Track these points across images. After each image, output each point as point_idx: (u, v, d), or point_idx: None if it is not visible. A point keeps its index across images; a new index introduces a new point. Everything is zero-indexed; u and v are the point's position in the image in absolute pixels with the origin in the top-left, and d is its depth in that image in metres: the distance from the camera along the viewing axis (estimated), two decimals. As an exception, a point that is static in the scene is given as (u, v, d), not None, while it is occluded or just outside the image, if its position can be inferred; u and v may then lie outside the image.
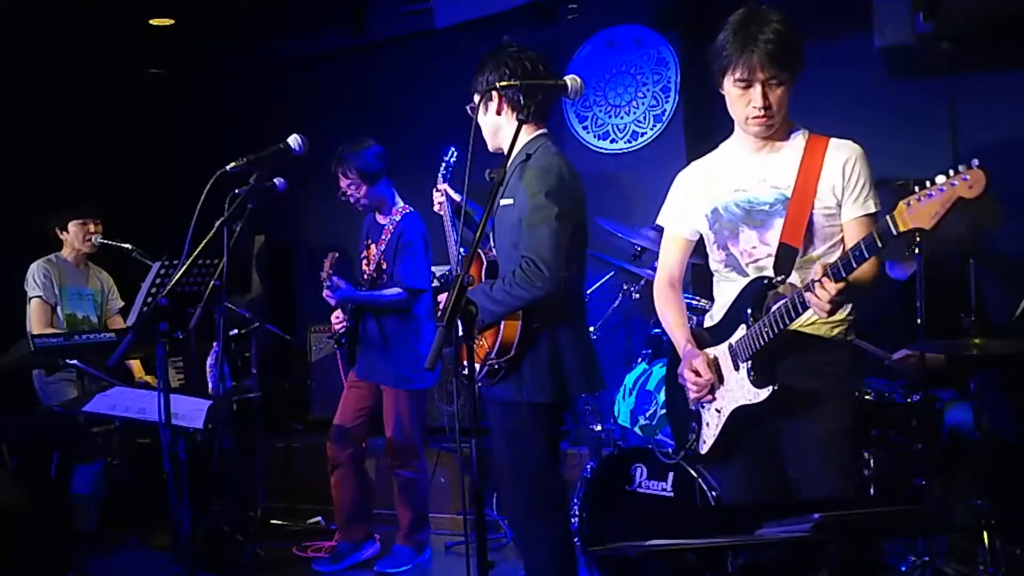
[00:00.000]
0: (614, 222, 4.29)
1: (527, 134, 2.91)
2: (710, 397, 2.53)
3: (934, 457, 3.36)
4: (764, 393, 2.38)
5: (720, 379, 2.52)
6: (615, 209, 4.85)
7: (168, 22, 5.93)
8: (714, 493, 3.27)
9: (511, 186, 2.86)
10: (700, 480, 3.32)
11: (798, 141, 2.48)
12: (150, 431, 4.32)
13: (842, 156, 2.42)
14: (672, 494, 3.38)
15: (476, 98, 2.92)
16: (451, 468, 4.89)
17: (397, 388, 4.23)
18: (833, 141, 2.45)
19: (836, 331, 2.48)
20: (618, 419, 3.79)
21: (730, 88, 2.41)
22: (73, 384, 4.58)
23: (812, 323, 2.44)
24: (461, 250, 3.38)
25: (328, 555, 4.40)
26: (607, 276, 4.30)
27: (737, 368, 2.47)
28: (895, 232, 2.07)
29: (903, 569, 3.32)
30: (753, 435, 2.51)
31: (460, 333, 2.16)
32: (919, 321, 3.16)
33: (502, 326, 2.85)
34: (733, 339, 2.48)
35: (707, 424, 2.57)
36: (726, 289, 2.60)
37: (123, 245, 4.76)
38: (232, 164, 2.97)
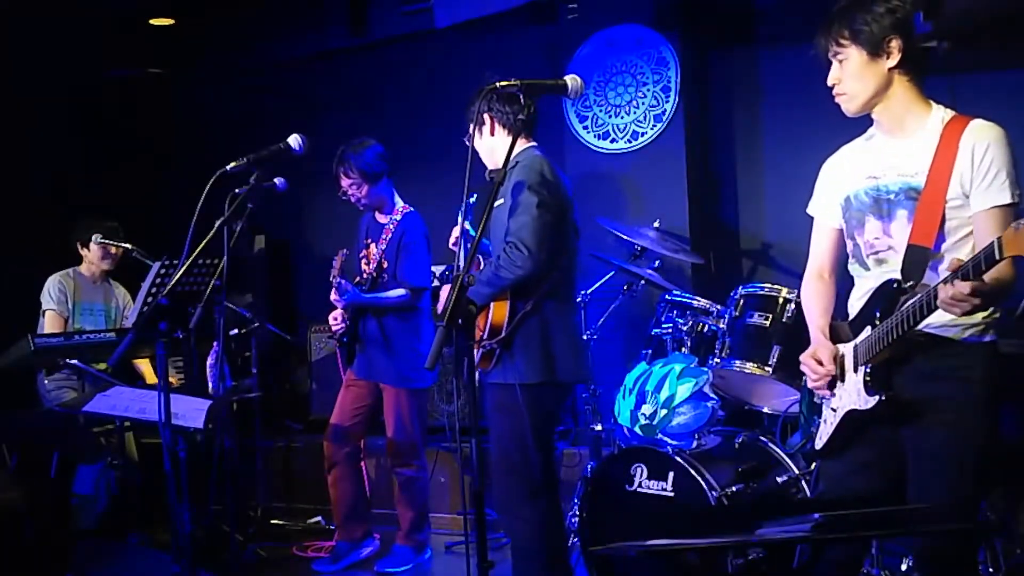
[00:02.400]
0: (614, 222, 4.29)
1: (519, 146, 3.10)
2: (827, 392, 2.45)
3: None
4: (872, 401, 2.27)
5: (842, 377, 2.41)
6: (615, 209, 4.86)
7: (168, 22, 5.94)
8: (715, 493, 3.27)
9: (502, 190, 3.03)
10: (701, 480, 3.31)
11: (935, 124, 2.31)
12: (152, 431, 4.32)
13: (974, 139, 2.23)
14: (672, 494, 3.37)
15: (471, 127, 3.08)
16: (451, 468, 4.89)
17: (398, 387, 4.23)
18: (972, 123, 2.27)
19: (969, 332, 2.28)
20: (618, 419, 3.79)
21: None
22: (72, 390, 4.59)
23: (943, 324, 2.25)
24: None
25: (328, 555, 4.40)
26: (607, 276, 4.29)
27: (856, 370, 2.36)
28: (998, 256, 1.89)
29: (903, 569, 3.32)
30: (868, 440, 2.39)
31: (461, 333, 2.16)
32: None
33: (491, 308, 3.01)
34: (859, 339, 2.37)
35: (825, 421, 2.49)
36: (858, 284, 2.49)
37: (123, 245, 4.77)
38: (232, 164, 2.97)
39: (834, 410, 2.45)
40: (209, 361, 4.79)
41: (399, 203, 4.32)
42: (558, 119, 5.17)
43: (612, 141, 5.07)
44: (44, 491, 4.24)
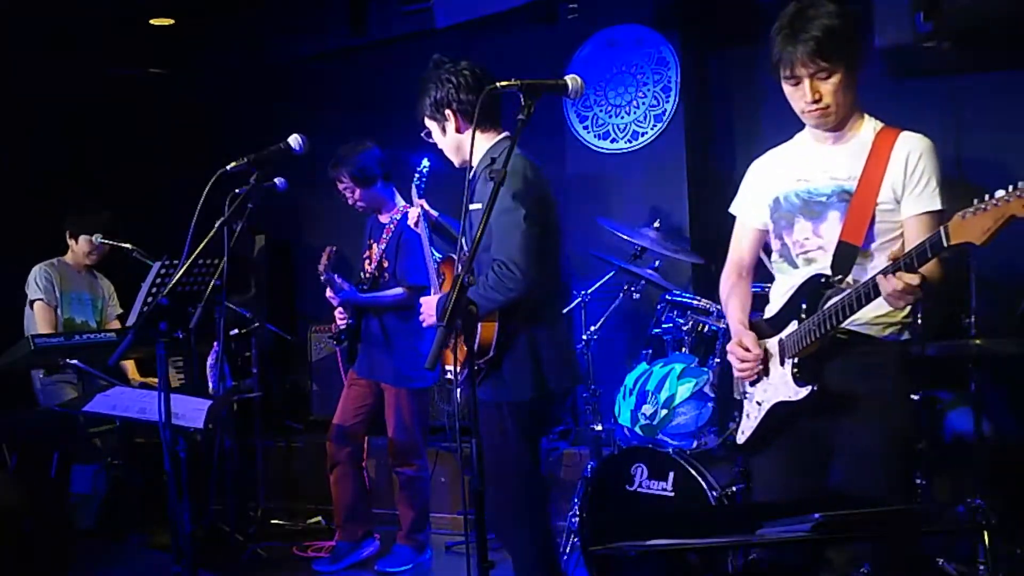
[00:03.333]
0: (614, 222, 4.30)
1: (487, 141, 2.96)
2: (756, 380, 2.49)
3: (935, 457, 3.35)
4: (803, 392, 2.35)
5: (766, 372, 2.48)
6: (615, 209, 4.86)
7: (168, 22, 5.94)
8: (715, 493, 3.27)
9: (479, 191, 2.88)
10: (702, 480, 3.31)
11: (868, 134, 2.43)
12: (150, 431, 4.31)
13: (906, 149, 2.35)
14: (672, 494, 3.37)
15: (428, 122, 2.99)
16: (451, 468, 4.88)
17: (398, 387, 4.23)
18: (903, 134, 2.39)
19: (889, 331, 2.41)
20: (618, 419, 3.79)
21: (783, 84, 2.39)
22: (71, 387, 4.58)
23: (865, 322, 2.38)
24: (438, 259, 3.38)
25: (328, 555, 4.40)
26: (607, 276, 4.29)
27: (783, 363, 2.44)
28: (945, 244, 2.00)
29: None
30: (792, 433, 2.46)
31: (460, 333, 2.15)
32: (919, 322, 3.15)
33: (479, 328, 2.84)
34: (784, 333, 2.45)
35: (747, 415, 2.54)
36: (780, 281, 2.57)
37: (123, 245, 4.76)
38: (232, 164, 2.97)
39: (759, 403, 2.50)
40: (209, 361, 4.79)
41: (400, 202, 4.32)
42: (558, 119, 5.17)
43: (612, 141, 5.07)
44: (44, 491, 4.24)
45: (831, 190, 2.41)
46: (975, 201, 1.95)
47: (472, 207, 2.87)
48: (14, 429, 4.32)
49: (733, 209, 2.72)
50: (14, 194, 5.29)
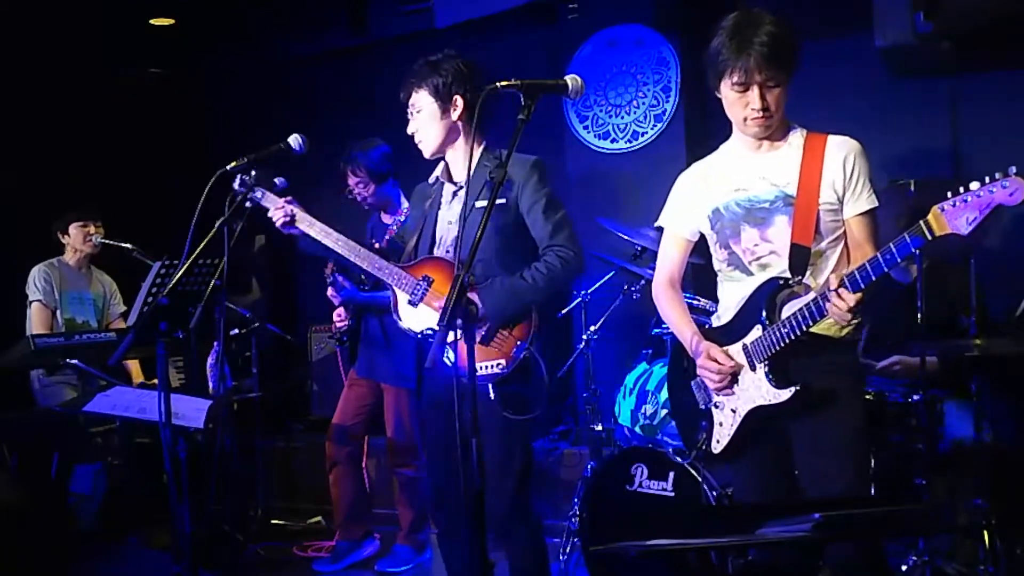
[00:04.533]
0: (614, 222, 4.29)
1: (479, 146, 2.95)
2: (729, 391, 2.52)
3: (934, 457, 3.35)
4: (786, 394, 2.40)
5: (734, 379, 2.52)
6: (615, 209, 4.85)
7: (168, 22, 5.94)
8: (715, 493, 3.27)
9: (472, 189, 2.83)
10: (702, 480, 3.31)
11: (796, 139, 2.50)
12: (150, 431, 4.32)
13: (842, 152, 2.44)
14: (673, 494, 3.37)
15: (426, 101, 2.91)
16: (451, 468, 4.88)
17: (398, 387, 4.23)
18: (831, 138, 2.47)
19: (845, 331, 2.48)
20: (618, 419, 3.79)
21: (727, 92, 2.43)
22: (71, 388, 4.58)
23: (823, 324, 2.42)
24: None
25: (328, 555, 4.40)
26: (607, 276, 4.29)
27: (753, 368, 2.47)
28: (930, 237, 2.05)
29: (904, 569, 3.32)
30: (766, 435, 2.51)
31: (459, 333, 2.15)
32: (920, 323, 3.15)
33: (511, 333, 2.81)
34: (748, 339, 2.48)
35: (720, 424, 2.56)
36: (731, 289, 2.61)
37: (123, 245, 4.76)
38: (232, 164, 2.97)
39: (733, 411, 2.53)
40: (209, 361, 4.79)
41: (404, 203, 4.32)
42: (558, 119, 5.17)
43: (612, 141, 5.07)
44: (44, 491, 4.24)
45: (773, 196, 2.47)
46: (949, 194, 2.01)
47: (481, 204, 2.83)
48: (14, 429, 4.32)
49: (660, 222, 2.78)
50: (14, 194, 5.29)
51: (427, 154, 3.01)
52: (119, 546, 4.49)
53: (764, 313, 2.44)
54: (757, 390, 2.46)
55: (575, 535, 3.81)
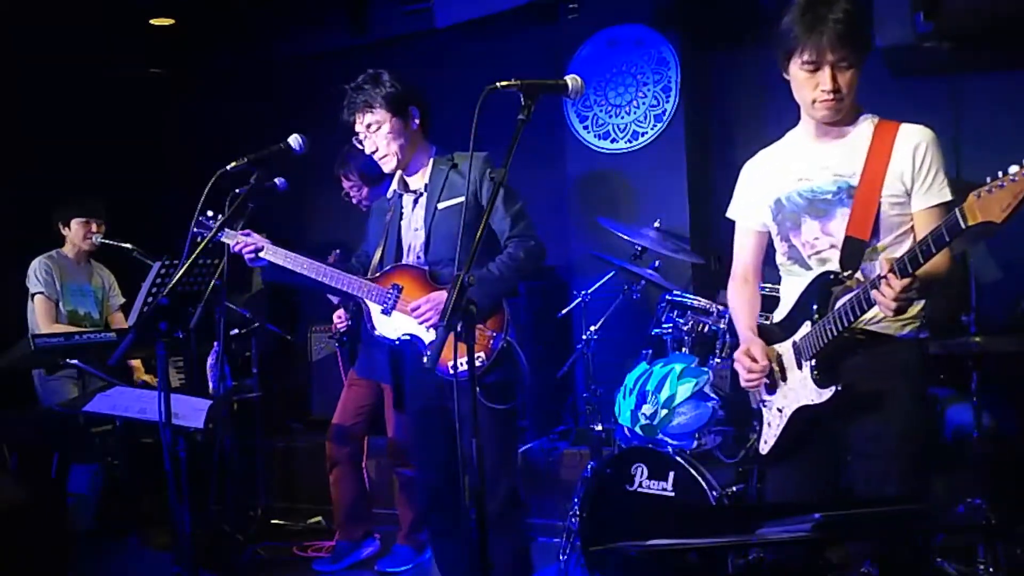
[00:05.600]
0: (614, 222, 4.29)
1: (426, 153, 3.10)
2: (764, 394, 2.46)
3: (934, 456, 3.35)
4: (827, 393, 2.30)
5: (783, 377, 2.44)
6: (615, 209, 4.86)
7: (168, 22, 5.94)
8: (715, 493, 3.26)
9: (450, 185, 3.00)
10: (702, 480, 3.31)
11: (866, 127, 2.38)
12: (151, 431, 4.31)
13: (912, 141, 2.31)
14: (673, 494, 3.37)
15: (383, 116, 3.03)
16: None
17: (398, 387, 4.23)
18: (904, 126, 2.34)
19: (907, 328, 2.36)
20: (618, 419, 3.79)
21: (796, 72, 2.31)
22: (73, 384, 4.58)
23: (880, 320, 2.33)
24: None
25: (328, 555, 4.40)
26: (607, 276, 4.29)
27: (800, 367, 2.38)
28: (964, 226, 1.94)
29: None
30: (814, 437, 2.41)
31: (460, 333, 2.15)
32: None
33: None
34: (797, 336, 2.40)
35: (768, 424, 2.48)
36: (791, 284, 2.51)
37: (123, 245, 4.76)
38: (232, 164, 2.97)
39: (780, 410, 2.44)
40: (209, 361, 4.79)
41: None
42: (558, 119, 5.17)
43: (612, 141, 5.07)
44: (44, 491, 4.23)
45: (836, 187, 2.36)
46: (988, 179, 1.90)
47: (444, 205, 2.98)
48: (14, 429, 4.32)
49: (730, 214, 2.67)
50: (14, 194, 5.28)
51: (392, 168, 3.11)
52: (119, 546, 4.49)
53: (815, 308, 2.34)
54: (803, 389, 2.36)
55: (575, 535, 3.81)
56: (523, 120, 2.49)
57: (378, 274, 3.07)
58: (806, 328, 2.37)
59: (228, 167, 2.95)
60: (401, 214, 3.13)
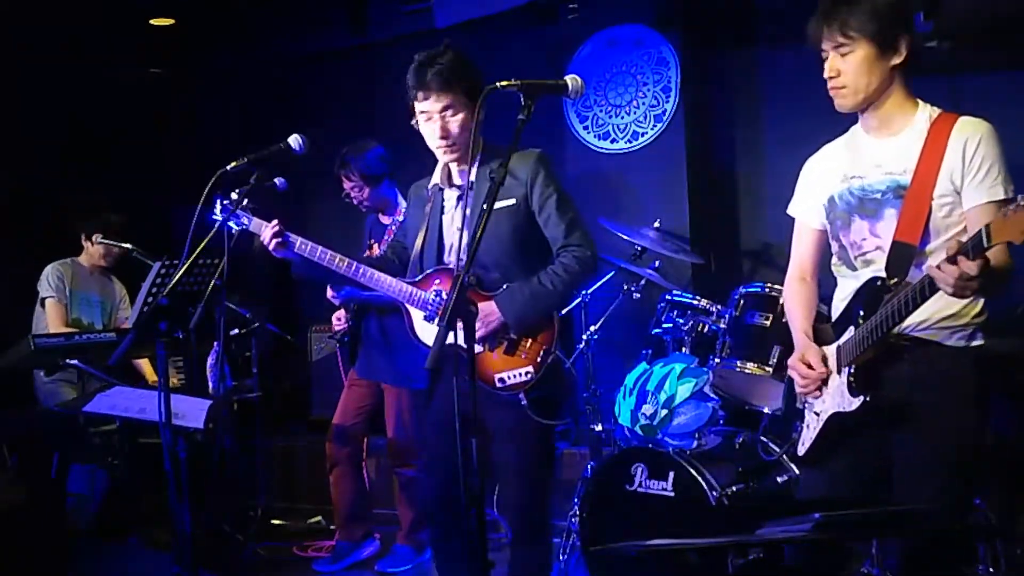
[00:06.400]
0: (614, 222, 4.29)
1: (478, 149, 2.87)
2: (817, 393, 2.36)
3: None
4: (856, 402, 2.21)
5: (825, 381, 2.35)
6: (615, 209, 4.85)
7: (168, 22, 5.94)
8: (715, 493, 3.26)
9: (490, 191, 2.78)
10: (702, 480, 3.31)
11: (922, 122, 2.26)
12: (151, 431, 4.31)
13: (963, 136, 2.18)
14: (673, 494, 3.37)
15: (459, 101, 2.74)
16: (451, 468, 4.88)
17: (398, 387, 4.23)
18: (960, 120, 2.22)
19: (956, 336, 2.23)
20: (618, 419, 3.79)
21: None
22: (71, 387, 4.59)
23: (930, 325, 2.22)
24: None
25: (328, 555, 4.40)
26: (607, 276, 4.29)
27: (840, 372, 2.30)
28: (986, 244, 1.83)
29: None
30: (852, 445, 2.32)
31: (460, 334, 2.15)
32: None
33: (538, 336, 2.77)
34: (841, 340, 2.31)
35: (807, 426, 2.42)
36: (841, 285, 2.43)
37: (123, 245, 4.76)
38: (232, 164, 2.97)
39: (817, 414, 2.37)
40: (209, 361, 4.79)
41: (402, 204, 4.32)
42: (558, 119, 5.17)
43: (612, 141, 5.08)
44: (44, 491, 4.24)
45: (885, 186, 2.26)
46: (1019, 198, 1.79)
47: (499, 205, 2.71)
48: (14, 429, 4.32)
49: (791, 211, 2.58)
50: (13, 195, 5.28)
51: (451, 159, 2.85)
52: (119, 546, 4.49)
53: (861, 314, 2.24)
54: (838, 395, 2.28)
55: (575, 535, 3.81)
56: (523, 120, 2.48)
57: (419, 277, 2.91)
58: (849, 332, 2.28)
59: (228, 167, 2.96)
60: (443, 208, 2.92)
